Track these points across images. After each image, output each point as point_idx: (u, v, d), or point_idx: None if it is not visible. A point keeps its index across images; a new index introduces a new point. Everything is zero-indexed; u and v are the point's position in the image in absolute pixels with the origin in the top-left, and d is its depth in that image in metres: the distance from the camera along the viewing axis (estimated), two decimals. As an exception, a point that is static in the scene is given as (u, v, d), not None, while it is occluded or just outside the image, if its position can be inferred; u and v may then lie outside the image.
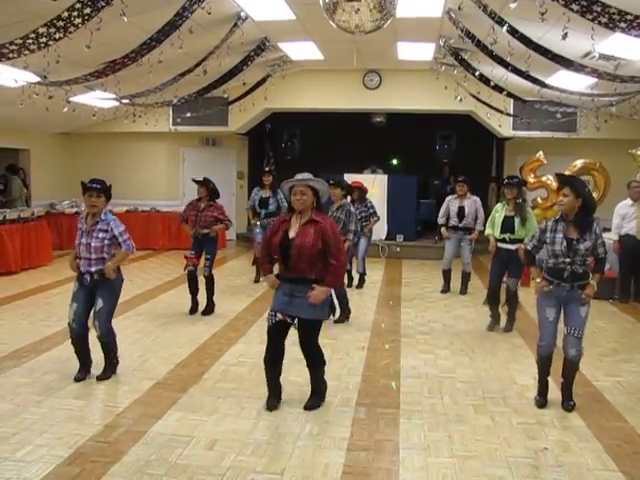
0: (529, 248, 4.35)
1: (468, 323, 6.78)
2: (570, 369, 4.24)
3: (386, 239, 11.62)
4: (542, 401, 4.32)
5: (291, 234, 3.96)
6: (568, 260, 4.05)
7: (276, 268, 4.23)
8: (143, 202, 12.49)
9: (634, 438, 3.86)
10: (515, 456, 3.57)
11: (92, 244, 4.53)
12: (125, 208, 12.09)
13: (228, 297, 7.83)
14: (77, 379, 4.64)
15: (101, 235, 4.57)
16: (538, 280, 4.24)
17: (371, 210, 8.40)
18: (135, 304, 7.28)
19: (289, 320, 4.04)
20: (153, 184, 12.86)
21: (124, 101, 8.44)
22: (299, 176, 3.97)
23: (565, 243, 4.05)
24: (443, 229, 8.08)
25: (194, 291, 6.94)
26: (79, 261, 4.61)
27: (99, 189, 4.57)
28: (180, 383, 4.67)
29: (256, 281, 8.70)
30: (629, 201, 7.67)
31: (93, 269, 4.55)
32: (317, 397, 4.24)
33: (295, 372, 4.68)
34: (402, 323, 6.73)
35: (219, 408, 4.20)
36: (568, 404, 4.25)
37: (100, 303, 4.59)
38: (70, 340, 4.68)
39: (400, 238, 11.61)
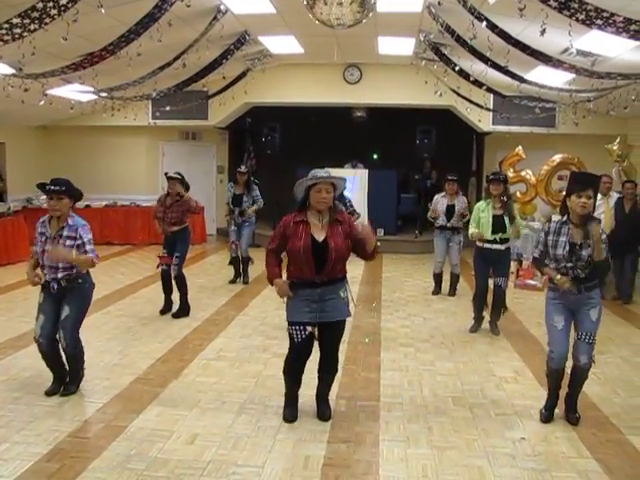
0: (536, 256, 4.07)
1: (448, 317, 6.85)
2: (579, 378, 4.00)
3: None
4: (548, 416, 4.04)
5: (319, 236, 3.68)
6: (570, 265, 3.84)
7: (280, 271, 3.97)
8: (122, 196, 12.36)
9: (607, 427, 3.96)
10: (493, 446, 3.64)
11: None
12: (104, 202, 12.01)
13: (209, 292, 7.82)
14: (48, 393, 4.24)
15: (68, 242, 4.08)
16: (559, 277, 3.87)
17: (351, 209, 8.37)
18: (115, 299, 7.24)
19: (316, 330, 3.78)
20: (132, 178, 12.74)
21: (102, 94, 8.35)
22: (319, 173, 3.65)
23: (568, 248, 3.84)
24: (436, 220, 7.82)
25: (168, 290, 6.65)
26: (41, 270, 4.20)
27: (59, 191, 4.03)
28: (160, 378, 4.67)
29: (232, 282, 8.42)
30: (599, 196, 7.77)
31: (60, 275, 4.11)
32: (329, 403, 4.07)
33: (276, 367, 4.69)
34: (382, 317, 6.78)
35: (200, 402, 4.21)
36: (573, 416, 4.01)
37: (67, 311, 4.14)
38: (40, 355, 4.27)
39: (381, 232, 11.60)
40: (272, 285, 3.87)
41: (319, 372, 4.00)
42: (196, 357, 5.20)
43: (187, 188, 6.66)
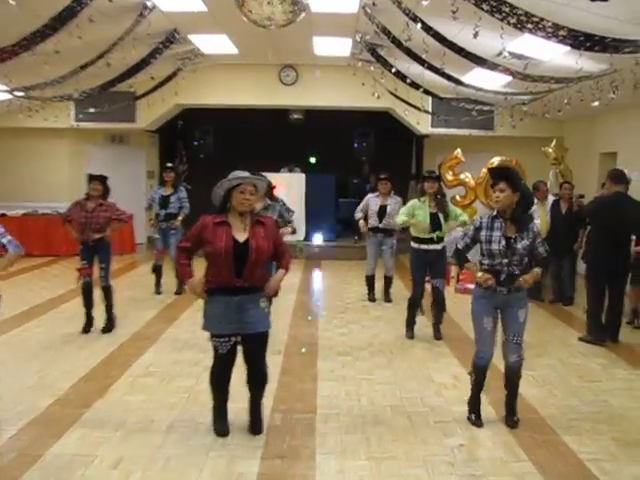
0: (460, 247, 4.14)
1: (387, 323, 6.95)
2: (513, 377, 4.12)
3: (304, 240, 11.63)
4: (478, 420, 4.13)
5: (241, 237, 3.68)
6: (505, 261, 3.90)
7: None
8: (43, 204, 11.88)
9: (544, 428, 4.12)
10: (432, 454, 3.71)
11: None
12: (22, 211, 11.54)
13: (137, 304, 7.66)
14: None
15: None
16: (480, 274, 3.97)
17: (284, 207, 8.37)
18: (35, 315, 6.99)
19: (239, 339, 3.81)
20: (54, 184, 12.25)
21: (17, 94, 8.04)
22: (241, 174, 3.70)
23: (504, 242, 3.90)
24: (362, 223, 7.90)
25: (89, 305, 6.34)
26: None
27: None
28: (83, 398, 4.52)
29: (158, 293, 8.27)
30: (535, 200, 8.08)
31: None
32: (261, 416, 4.04)
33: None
34: (320, 325, 6.83)
35: (126, 423, 4.10)
36: (512, 419, 4.12)
37: None
38: None
39: (319, 239, 11.77)
40: (184, 283, 3.90)
41: (248, 385, 3.98)
42: (123, 374, 5.07)
43: (106, 193, 6.37)
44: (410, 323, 6.37)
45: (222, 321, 3.71)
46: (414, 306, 6.36)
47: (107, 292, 6.41)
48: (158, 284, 8.36)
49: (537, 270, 4.03)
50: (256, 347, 3.86)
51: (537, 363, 5.46)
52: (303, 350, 5.84)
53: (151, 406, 4.40)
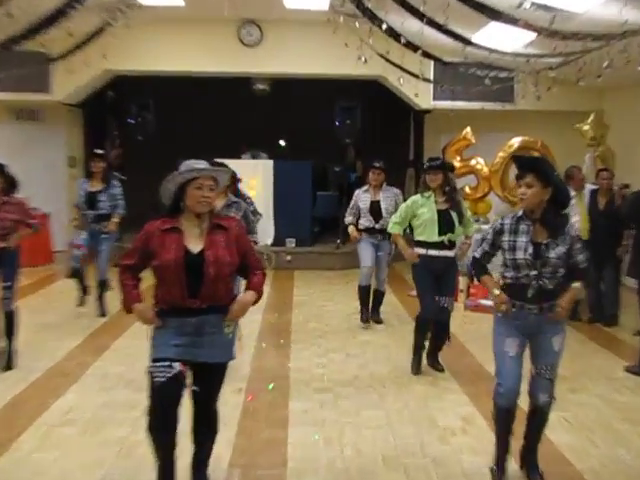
0: (477, 256, 4.16)
1: (378, 351, 6.95)
2: (539, 422, 4.11)
3: (273, 245, 11.59)
4: (501, 474, 4.09)
5: (195, 247, 3.65)
6: (534, 273, 3.89)
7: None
8: None
9: (580, 485, 4.11)
10: (435, 519, 3.70)
11: None
12: None
13: (54, 330, 7.58)
14: None
15: None
16: (497, 292, 4.00)
17: (251, 207, 8.35)
18: None
19: (188, 370, 3.72)
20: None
21: None
22: (197, 164, 3.66)
23: (532, 249, 3.90)
24: (351, 229, 7.96)
25: None
26: None
27: None
28: (-23, 456, 4.43)
29: (80, 304, 8.23)
30: (571, 192, 8.09)
31: None
32: (206, 471, 3.98)
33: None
34: (293, 354, 6.82)
35: (35, 486, 4.03)
36: (535, 473, 4.10)
37: None
38: None
39: (292, 243, 11.74)
40: (130, 312, 3.77)
41: (193, 433, 3.91)
42: (33, 423, 4.97)
43: (12, 187, 6.23)
44: (418, 352, 6.28)
45: (169, 343, 3.64)
46: (424, 328, 6.24)
47: (9, 319, 6.26)
48: (84, 292, 8.24)
49: (576, 287, 4.01)
50: (210, 382, 3.79)
51: (572, 401, 5.45)
52: (270, 386, 5.80)
53: (70, 465, 4.31)
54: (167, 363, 3.60)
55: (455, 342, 6.57)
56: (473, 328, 7.80)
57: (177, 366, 3.61)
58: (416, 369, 6.23)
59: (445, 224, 6.09)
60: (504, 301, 3.96)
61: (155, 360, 3.65)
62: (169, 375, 3.59)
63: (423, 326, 6.24)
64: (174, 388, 3.63)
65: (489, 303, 8.22)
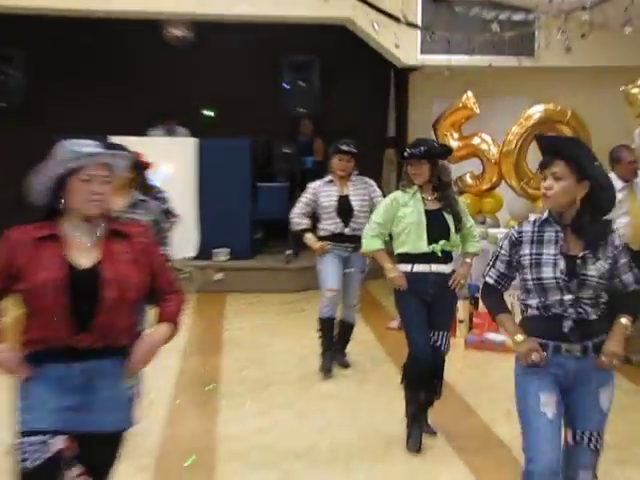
0: (490, 281, 4.10)
1: (344, 407, 6.86)
2: None
3: (196, 258, 11.83)
4: None
5: (84, 261, 3.53)
6: (570, 297, 3.80)
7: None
8: None
9: None
10: None
11: None
12: None
13: None
14: None
15: None
16: (521, 338, 3.88)
17: (164, 206, 7.96)
18: None
19: (73, 444, 3.54)
20: None
21: None
22: (85, 147, 3.51)
23: (564, 265, 3.81)
24: (309, 236, 7.81)
25: None
26: None
27: None
28: None
29: None
30: (618, 182, 7.75)
31: None
32: None
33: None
34: (222, 415, 6.72)
35: None
36: None
37: None
38: None
39: (223, 255, 11.94)
40: None
41: None
42: None
43: None
44: (416, 420, 5.94)
45: (45, 407, 3.49)
46: (418, 380, 5.92)
47: None
48: None
49: (624, 323, 3.90)
50: (101, 458, 3.66)
51: (621, 474, 5.34)
52: (189, 461, 5.62)
53: None
54: (43, 438, 3.44)
55: (449, 394, 6.38)
56: (477, 374, 7.79)
57: (58, 442, 3.45)
58: (413, 445, 5.88)
59: (436, 229, 5.98)
60: (535, 349, 3.80)
61: (25, 434, 3.46)
62: (45, 456, 3.44)
63: (417, 378, 5.94)
64: (52, 475, 3.48)
65: (501, 339, 8.07)
